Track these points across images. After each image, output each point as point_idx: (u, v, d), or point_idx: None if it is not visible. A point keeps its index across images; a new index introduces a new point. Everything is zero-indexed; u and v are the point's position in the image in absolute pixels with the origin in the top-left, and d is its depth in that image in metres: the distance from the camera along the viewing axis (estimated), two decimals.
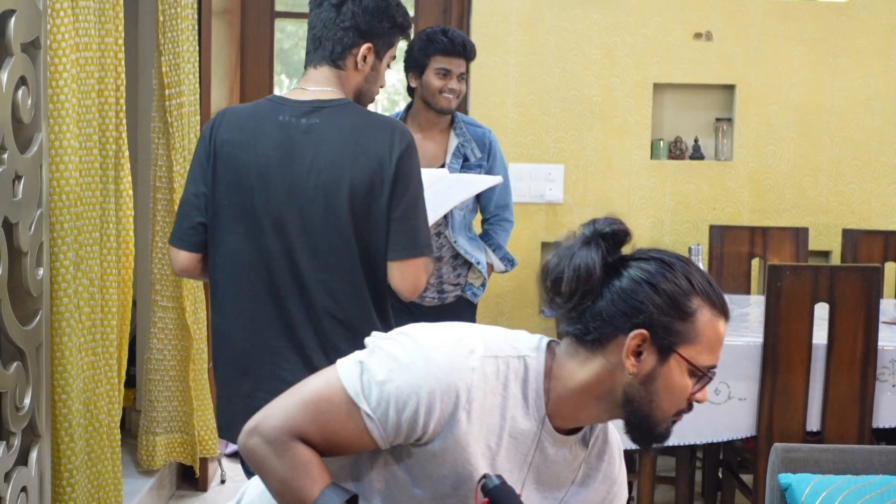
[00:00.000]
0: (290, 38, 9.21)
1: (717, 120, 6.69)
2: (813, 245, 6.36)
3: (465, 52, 4.96)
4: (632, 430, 2.30)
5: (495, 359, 2.25)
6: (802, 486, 3.30)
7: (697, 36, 6.56)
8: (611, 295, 2.24)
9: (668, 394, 2.25)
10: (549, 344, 2.34)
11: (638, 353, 2.23)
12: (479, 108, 6.59)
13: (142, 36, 5.82)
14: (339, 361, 2.27)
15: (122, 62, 4.25)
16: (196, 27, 5.14)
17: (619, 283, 2.25)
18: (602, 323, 2.24)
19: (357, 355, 2.26)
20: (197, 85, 5.16)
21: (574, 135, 6.59)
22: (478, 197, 5.11)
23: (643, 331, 2.21)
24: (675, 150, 6.69)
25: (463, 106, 6.65)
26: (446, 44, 4.92)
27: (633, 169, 6.62)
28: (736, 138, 6.62)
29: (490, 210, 5.22)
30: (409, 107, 5.11)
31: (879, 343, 4.65)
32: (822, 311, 4.67)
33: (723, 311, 2.29)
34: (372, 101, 3.68)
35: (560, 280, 2.26)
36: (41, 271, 3.65)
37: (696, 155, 6.66)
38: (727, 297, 5.56)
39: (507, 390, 2.25)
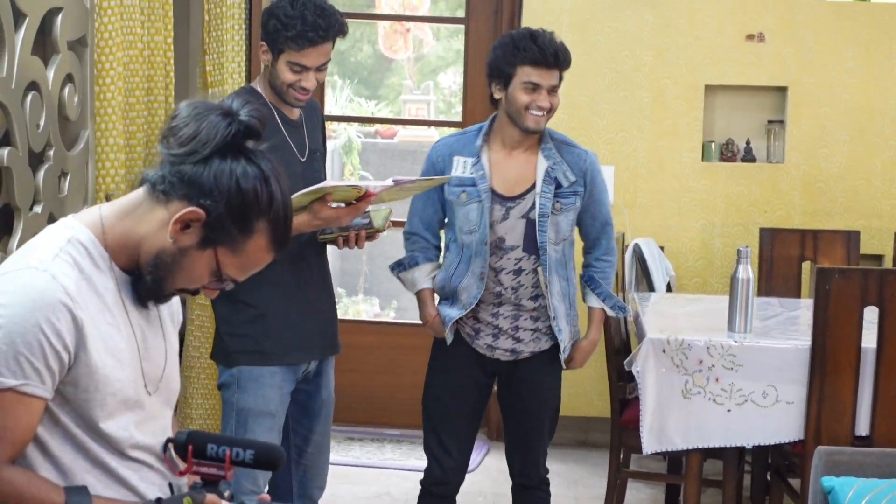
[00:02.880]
0: (347, 39, 9.23)
1: (769, 122, 6.65)
2: (865, 249, 6.31)
3: (558, 62, 4.23)
4: (142, 285, 2.39)
5: (56, 256, 2.28)
6: (846, 489, 3.27)
7: (749, 37, 6.52)
8: (205, 168, 2.30)
9: (187, 275, 2.37)
10: (81, 214, 2.41)
11: (186, 226, 2.31)
12: None
13: (193, 35, 5.86)
14: None
15: (171, 61, 4.28)
16: (244, 27, 5.16)
17: (219, 163, 2.30)
18: (179, 182, 2.31)
19: None
20: (243, 83, 5.18)
21: (624, 136, 6.57)
22: (578, 223, 4.46)
23: (201, 211, 2.29)
24: (727, 153, 6.65)
25: None
26: (535, 53, 4.19)
27: (683, 171, 6.59)
28: (788, 140, 6.57)
29: (591, 237, 4.51)
30: (493, 119, 4.41)
31: None
32: (871, 314, 4.63)
33: (278, 247, 2.39)
34: (290, 99, 3.98)
35: (181, 129, 2.31)
36: None
37: (748, 157, 6.63)
38: (777, 301, 5.55)
39: (84, 271, 2.31)
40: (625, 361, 4.96)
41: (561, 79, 4.26)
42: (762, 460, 5.39)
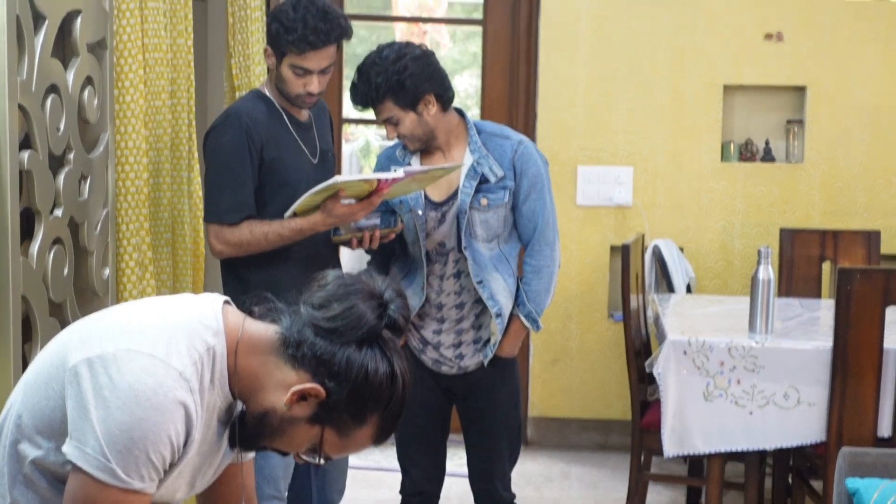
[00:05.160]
0: (363, 42, 9.23)
1: (789, 122, 6.62)
2: (885, 249, 6.27)
3: (375, 101, 4.14)
4: (241, 432, 2.39)
5: (195, 364, 2.26)
6: (870, 490, 3.26)
7: (768, 37, 6.49)
8: (340, 350, 2.29)
9: (289, 441, 2.37)
10: (228, 315, 2.37)
11: (302, 397, 2.29)
12: (547, 110, 6.56)
13: (211, 39, 5.85)
14: (79, 462, 2.19)
15: (191, 64, 4.27)
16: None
17: (355, 349, 2.29)
18: (311, 355, 2.29)
19: (85, 448, 2.18)
20: None
21: (643, 137, 6.55)
22: (515, 222, 4.27)
23: (322, 390, 2.28)
24: (746, 153, 6.63)
25: (532, 108, 6.63)
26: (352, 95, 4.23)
27: (703, 171, 6.57)
28: (807, 140, 6.55)
29: (524, 238, 4.29)
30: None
31: None
32: (893, 315, 4.61)
33: (381, 440, 2.39)
34: (298, 103, 4.08)
35: (331, 304, 2.31)
36: (107, 271, 3.68)
37: (767, 157, 6.60)
38: (797, 301, 5.52)
39: (203, 384, 2.29)
40: (646, 363, 4.95)
41: (412, 109, 4.08)
42: (783, 462, 5.38)
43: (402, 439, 4.46)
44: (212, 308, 2.36)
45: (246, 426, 2.37)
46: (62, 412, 2.23)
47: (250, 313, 2.42)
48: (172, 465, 2.26)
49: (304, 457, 2.40)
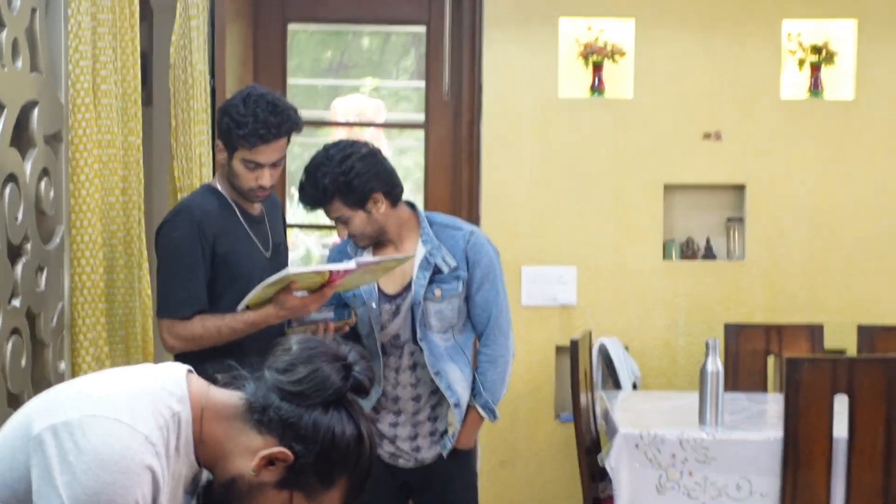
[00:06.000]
0: (297, 160, 9.23)
1: (729, 219, 6.70)
2: (827, 343, 6.32)
3: (321, 204, 4.22)
4: (208, 499, 2.37)
5: (161, 429, 2.24)
6: None
7: (707, 136, 6.58)
8: (306, 413, 2.29)
9: None
10: (192, 383, 2.36)
11: (270, 462, 2.28)
12: (490, 212, 6.59)
13: (156, 142, 5.86)
14: None
15: (140, 162, 4.28)
16: (211, 131, 5.17)
17: (321, 412, 2.30)
18: (277, 419, 2.29)
19: None
20: None
21: (585, 237, 6.59)
22: (469, 312, 4.33)
23: (290, 454, 2.27)
24: (688, 251, 6.69)
25: (475, 210, 6.66)
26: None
27: (645, 270, 6.61)
28: (747, 237, 6.62)
29: (478, 329, 4.36)
30: None
31: None
32: (840, 405, 4.64)
33: (349, 502, 2.38)
34: (251, 196, 4.07)
35: (293, 370, 2.31)
36: (63, 364, 3.65)
37: (709, 255, 6.67)
38: (744, 396, 5.54)
39: (168, 450, 2.27)
40: (598, 456, 4.94)
41: (361, 208, 4.14)
42: None
43: None
44: (175, 376, 2.35)
45: (213, 495, 2.34)
46: (27, 482, 2.18)
47: (214, 381, 2.40)
48: None
49: None
